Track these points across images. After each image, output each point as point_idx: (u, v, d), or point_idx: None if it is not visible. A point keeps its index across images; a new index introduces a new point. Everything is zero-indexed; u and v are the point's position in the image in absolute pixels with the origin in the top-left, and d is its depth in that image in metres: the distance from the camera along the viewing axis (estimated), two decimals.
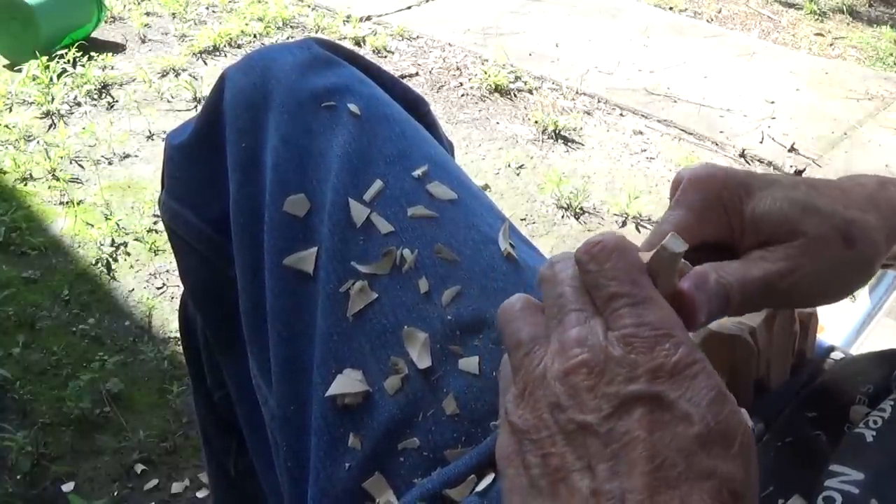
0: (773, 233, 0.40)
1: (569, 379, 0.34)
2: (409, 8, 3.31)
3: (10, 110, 2.35)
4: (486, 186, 2.19)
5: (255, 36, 2.93)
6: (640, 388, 0.33)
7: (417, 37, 3.06)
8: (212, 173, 0.65)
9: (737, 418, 0.33)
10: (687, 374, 0.33)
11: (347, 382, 0.52)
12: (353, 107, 0.61)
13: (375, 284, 0.55)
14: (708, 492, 0.31)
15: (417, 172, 0.59)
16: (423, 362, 0.52)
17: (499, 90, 2.69)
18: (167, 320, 1.66)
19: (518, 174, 2.26)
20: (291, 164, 0.59)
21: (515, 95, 2.69)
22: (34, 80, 2.42)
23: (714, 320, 0.41)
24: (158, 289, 1.75)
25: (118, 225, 1.88)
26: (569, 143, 2.44)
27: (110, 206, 1.97)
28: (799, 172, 2.39)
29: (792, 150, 2.48)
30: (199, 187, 0.67)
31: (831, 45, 3.39)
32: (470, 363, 0.52)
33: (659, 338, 0.34)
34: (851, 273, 0.42)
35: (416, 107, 0.69)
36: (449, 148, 0.73)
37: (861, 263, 0.41)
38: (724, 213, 0.41)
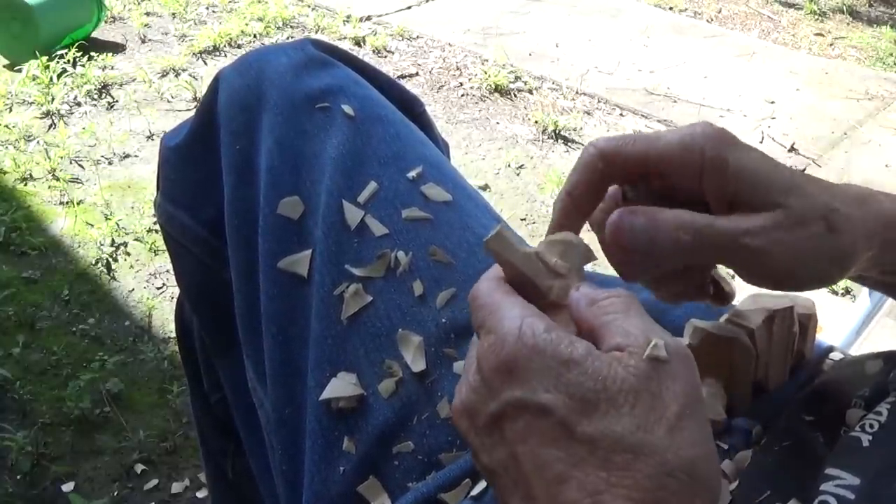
0: (753, 192, 0.39)
1: (460, 429, 0.35)
2: (409, 8, 3.30)
3: (10, 110, 2.35)
4: (486, 186, 2.19)
5: (255, 36, 2.93)
6: (497, 405, 0.32)
7: (417, 37, 3.06)
8: (207, 175, 0.65)
9: (590, 374, 0.31)
10: (521, 365, 0.32)
11: (342, 386, 0.52)
12: (347, 108, 0.61)
13: (370, 287, 0.55)
14: (600, 466, 0.30)
15: (412, 174, 0.59)
16: (418, 365, 0.52)
17: (499, 90, 2.68)
18: (167, 320, 1.66)
19: (518, 174, 2.26)
20: (285, 166, 0.59)
21: (515, 95, 2.69)
22: (34, 80, 2.41)
23: (667, 261, 0.40)
24: (158, 289, 1.75)
25: (118, 225, 1.88)
26: (569, 143, 2.44)
27: (110, 206, 1.97)
28: None
29: (792, 150, 2.47)
30: (194, 189, 0.67)
31: (831, 45, 3.38)
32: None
33: (493, 340, 0.33)
34: (827, 261, 0.40)
35: (412, 107, 0.69)
36: (444, 148, 0.73)
37: (838, 253, 0.40)
38: (697, 162, 0.39)
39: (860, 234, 0.40)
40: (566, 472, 0.30)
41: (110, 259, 1.80)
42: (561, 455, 0.31)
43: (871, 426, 0.42)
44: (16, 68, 2.55)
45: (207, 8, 3.16)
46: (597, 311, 0.35)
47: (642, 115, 2.63)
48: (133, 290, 1.74)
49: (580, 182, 0.41)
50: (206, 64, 2.71)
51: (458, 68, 2.84)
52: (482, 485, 0.47)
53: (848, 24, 3.65)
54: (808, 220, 0.39)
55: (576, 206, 0.42)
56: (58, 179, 2.04)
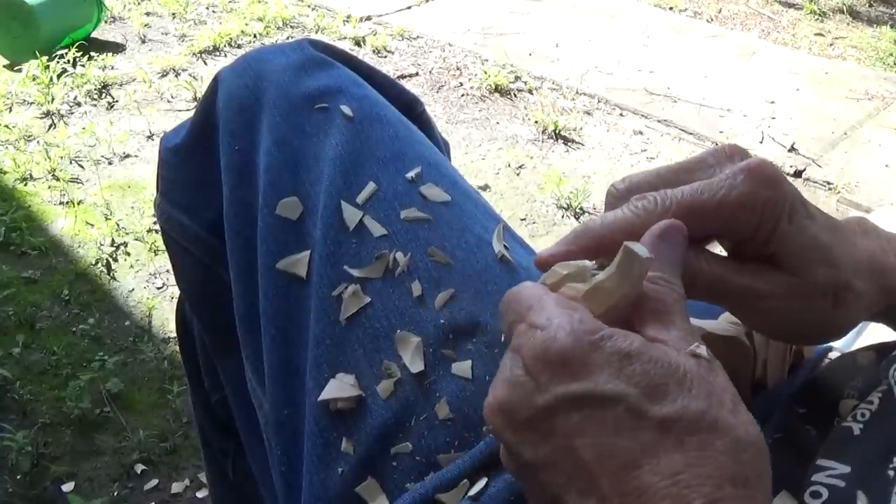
0: (786, 258, 0.39)
1: (492, 426, 0.35)
2: (409, 8, 3.30)
3: (10, 110, 2.35)
4: (486, 186, 2.19)
5: (255, 36, 2.93)
6: (546, 400, 0.32)
7: (417, 37, 3.06)
8: (206, 176, 0.65)
9: (654, 363, 0.32)
10: (577, 359, 0.32)
11: (340, 387, 0.51)
12: (346, 108, 0.60)
13: (368, 288, 0.55)
14: (674, 449, 0.30)
15: (411, 174, 0.59)
16: (416, 366, 0.52)
17: (499, 90, 2.68)
18: (167, 320, 1.66)
19: (518, 174, 2.26)
20: (284, 167, 0.59)
21: (515, 95, 2.69)
22: (34, 80, 2.42)
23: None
24: (158, 289, 1.75)
25: (118, 225, 1.89)
26: (569, 143, 2.44)
27: (110, 206, 1.97)
28: (799, 173, 2.38)
29: (792, 150, 2.47)
30: (194, 190, 0.67)
31: (831, 45, 3.38)
32: (463, 367, 0.52)
33: (543, 334, 0.33)
34: (826, 329, 0.42)
35: (411, 107, 0.69)
36: (445, 148, 0.73)
37: (838, 324, 0.41)
38: (758, 212, 0.38)
39: (863, 307, 0.41)
40: (636, 459, 0.30)
41: (110, 259, 1.80)
42: (628, 443, 0.31)
43: (863, 415, 0.42)
44: (16, 68, 2.55)
45: (207, 8, 3.16)
46: (648, 290, 0.35)
47: (642, 115, 2.63)
48: (133, 290, 1.75)
49: (617, 232, 0.39)
50: (206, 64, 2.72)
51: (458, 68, 2.84)
52: (480, 485, 0.47)
53: (848, 24, 3.65)
54: (820, 295, 0.40)
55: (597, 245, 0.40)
56: (58, 179, 2.04)
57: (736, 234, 0.39)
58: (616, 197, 0.41)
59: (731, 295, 0.39)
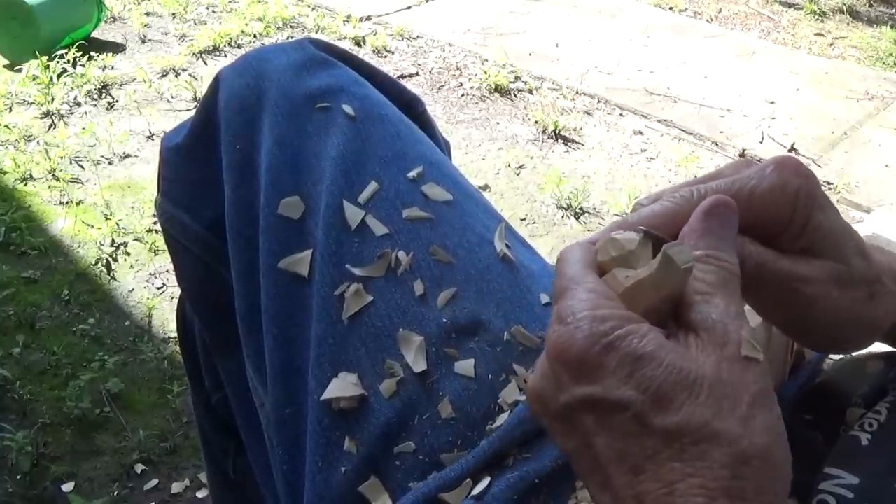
0: (825, 248, 0.39)
1: (533, 411, 0.35)
2: (409, 8, 3.30)
3: (10, 110, 2.34)
4: (486, 186, 2.19)
5: (255, 36, 2.93)
6: (566, 399, 0.33)
7: (417, 37, 3.06)
8: (207, 175, 0.65)
9: (664, 367, 0.31)
10: (592, 362, 0.32)
11: (342, 386, 0.51)
12: (347, 108, 0.61)
13: (370, 287, 0.55)
14: (674, 458, 0.31)
15: (412, 173, 0.59)
16: (419, 365, 0.52)
17: (499, 90, 2.68)
18: (167, 320, 1.66)
19: (518, 174, 2.26)
20: (286, 167, 0.59)
21: (515, 95, 2.69)
22: (34, 80, 2.41)
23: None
24: (158, 289, 1.75)
25: (118, 225, 1.88)
26: (569, 143, 2.44)
27: (110, 206, 1.97)
28: None
29: (792, 150, 2.47)
30: (195, 189, 0.67)
31: (831, 45, 3.38)
32: (465, 366, 0.52)
33: (564, 331, 0.33)
34: (860, 325, 0.41)
35: (412, 107, 0.69)
36: (445, 147, 0.73)
37: (871, 320, 0.41)
38: (791, 201, 0.38)
39: (892, 307, 0.41)
40: (641, 464, 0.31)
41: (110, 259, 1.80)
42: (635, 448, 0.31)
43: (871, 425, 0.42)
44: (16, 68, 2.55)
45: (207, 8, 3.16)
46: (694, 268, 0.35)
47: (642, 115, 2.63)
48: (133, 290, 1.74)
49: (656, 225, 0.38)
50: (206, 64, 2.71)
51: (458, 68, 2.84)
52: (483, 484, 0.47)
53: (848, 24, 3.65)
54: (858, 284, 0.39)
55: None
56: (58, 179, 2.04)
57: (770, 227, 0.39)
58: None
59: (775, 280, 0.39)
